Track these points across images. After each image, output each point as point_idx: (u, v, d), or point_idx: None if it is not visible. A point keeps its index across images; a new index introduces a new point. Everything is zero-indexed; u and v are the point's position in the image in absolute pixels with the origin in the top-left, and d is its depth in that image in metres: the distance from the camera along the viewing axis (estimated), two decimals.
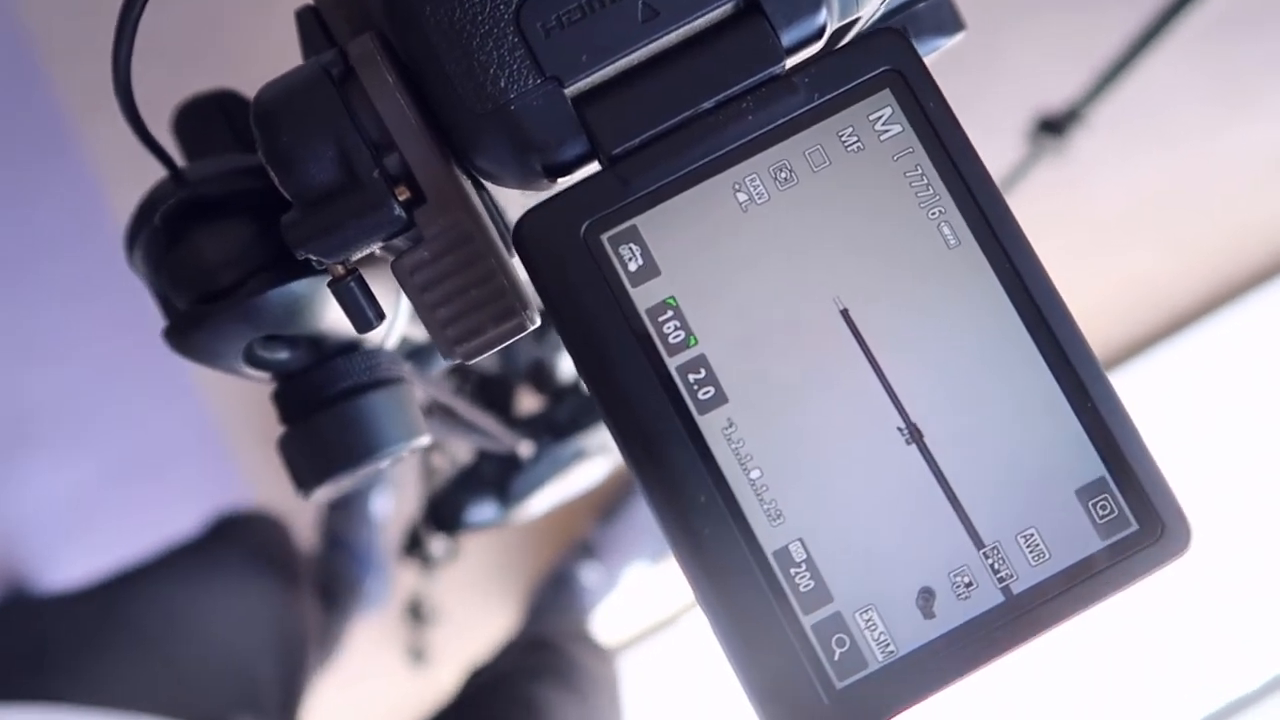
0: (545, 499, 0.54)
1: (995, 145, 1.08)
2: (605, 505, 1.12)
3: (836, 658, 0.20)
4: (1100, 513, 0.20)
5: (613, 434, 0.21)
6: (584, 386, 0.21)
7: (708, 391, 0.20)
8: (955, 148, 0.21)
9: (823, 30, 0.22)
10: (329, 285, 0.23)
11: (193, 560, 0.72)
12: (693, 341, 0.20)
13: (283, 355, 0.29)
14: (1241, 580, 1.10)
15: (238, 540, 0.75)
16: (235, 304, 0.26)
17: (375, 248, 0.23)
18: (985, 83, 1.11)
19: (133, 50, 0.23)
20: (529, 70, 0.21)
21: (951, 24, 0.27)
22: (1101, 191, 1.23)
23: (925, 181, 0.21)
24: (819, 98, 0.21)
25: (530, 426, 0.54)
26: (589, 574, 1.08)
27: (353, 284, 0.23)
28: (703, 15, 0.21)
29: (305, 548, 0.96)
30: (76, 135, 1.22)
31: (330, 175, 0.22)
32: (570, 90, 0.21)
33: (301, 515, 1.07)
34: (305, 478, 0.30)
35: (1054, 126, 0.90)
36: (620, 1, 0.21)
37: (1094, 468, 0.20)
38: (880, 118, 0.21)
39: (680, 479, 0.20)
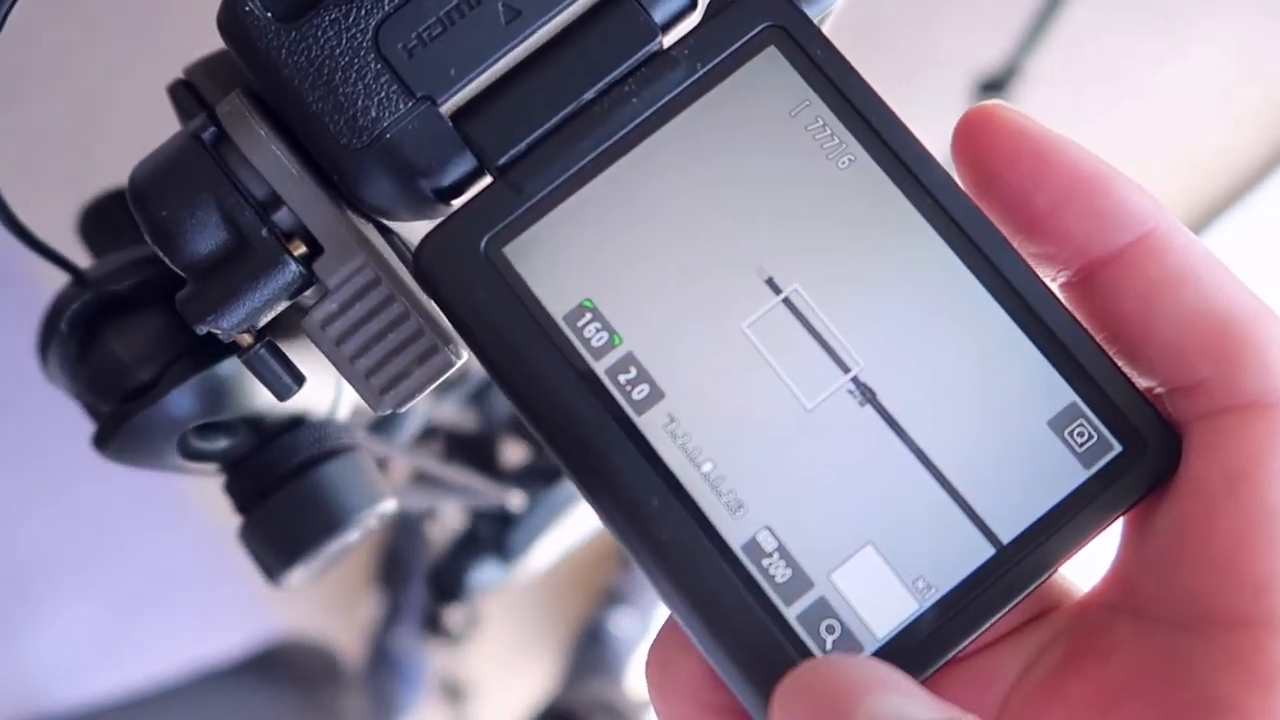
0: (548, 549, 0.53)
1: (942, 116, 1.08)
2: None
3: (829, 646, 0.18)
4: (1078, 440, 0.19)
5: (551, 454, 0.19)
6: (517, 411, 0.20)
7: (642, 390, 0.19)
8: (852, 91, 0.20)
9: (694, 1, 0.21)
10: (238, 356, 0.22)
11: (230, 688, 0.70)
12: (617, 340, 0.19)
13: (223, 443, 0.28)
14: None
15: (277, 671, 0.73)
16: (156, 399, 0.25)
17: (279, 309, 0.22)
18: (922, 54, 1.11)
19: None
20: (398, 94, 0.20)
21: None
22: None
23: (829, 131, 0.20)
24: (702, 67, 0.20)
25: (520, 477, 0.53)
26: (620, 621, 1.07)
27: (262, 351, 0.22)
28: (567, 6, 0.20)
29: (350, 664, 0.94)
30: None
31: (217, 241, 0.21)
32: (445, 107, 0.20)
33: (345, 631, 1.05)
34: (271, 565, 0.28)
35: (995, 85, 0.90)
36: (479, 7, 0.20)
37: (1063, 395, 0.19)
38: (770, 75, 0.20)
39: (629, 486, 0.19)
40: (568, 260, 0.20)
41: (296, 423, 0.29)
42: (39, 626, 1.15)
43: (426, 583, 0.55)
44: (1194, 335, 0.18)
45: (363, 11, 0.20)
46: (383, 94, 0.20)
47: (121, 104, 1.16)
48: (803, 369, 0.19)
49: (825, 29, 0.21)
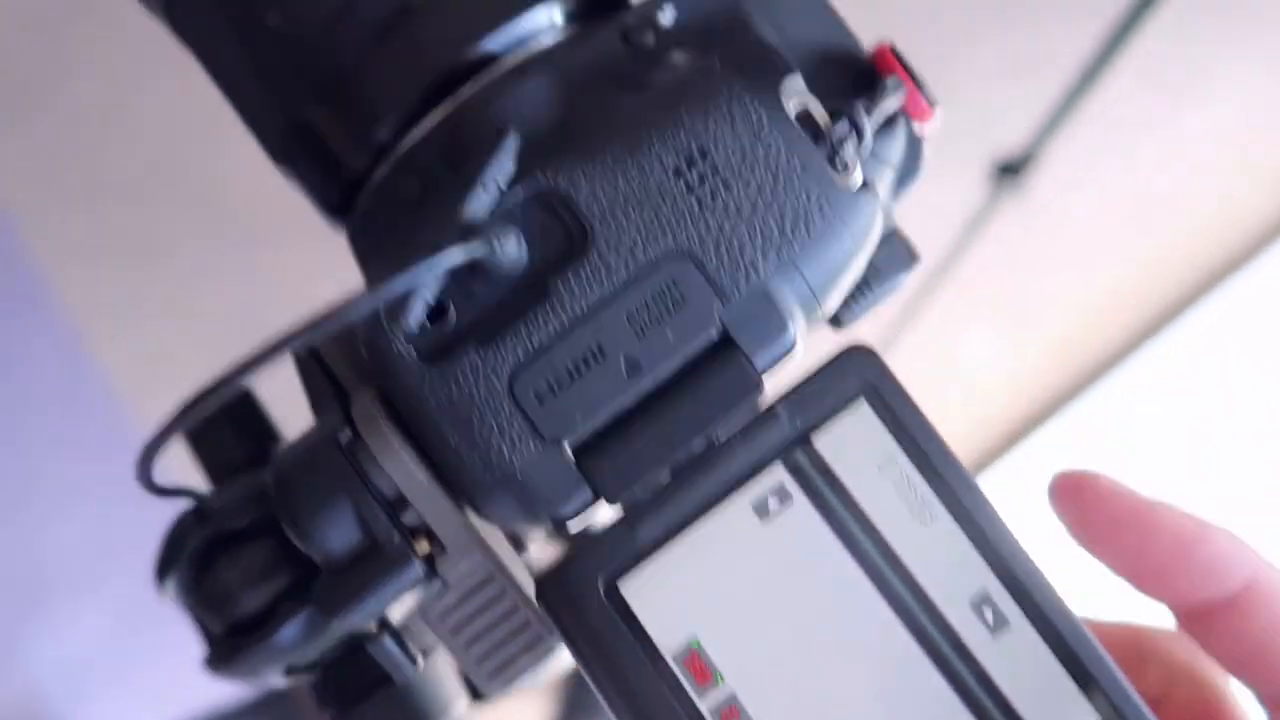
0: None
1: (957, 191, 1.10)
2: None
3: None
4: None
5: None
6: None
7: None
8: (934, 452, 0.22)
9: (793, 346, 0.23)
10: (366, 645, 0.24)
11: None
12: (720, 680, 0.21)
13: (315, 656, 0.30)
14: None
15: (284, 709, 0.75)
16: (264, 640, 0.27)
17: (403, 599, 0.24)
18: (940, 131, 1.12)
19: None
20: (528, 436, 0.22)
21: (907, 258, 0.28)
22: (1066, 212, 1.25)
23: (914, 490, 0.22)
24: (802, 424, 0.22)
25: None
26: None
27: (388, 639, 0.24)
28: (681, 357, 0.22)
29: None
30: (49, 283, 1.22)
31: (351, 540, 0.23)
32: (569, 447, 0.22)
33: None
34: None
35: (1012, 169, 0.92)
36: (604, 361, 0.22)
37: None
38: (861, 430, 0.22)
39: None
40: (678, 599, 0.22)
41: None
42: (45, 639, 1.16)
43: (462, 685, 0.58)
44: None
45: (500, 359, 0.22)
46: (514, 434, 0.22)
47: (138, 117, 1.18)
48: (931, 711, 0.21)
49: None
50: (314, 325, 0.20)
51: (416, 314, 0.22)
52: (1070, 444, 1.28)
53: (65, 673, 1.16)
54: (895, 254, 0.28)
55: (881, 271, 0.28)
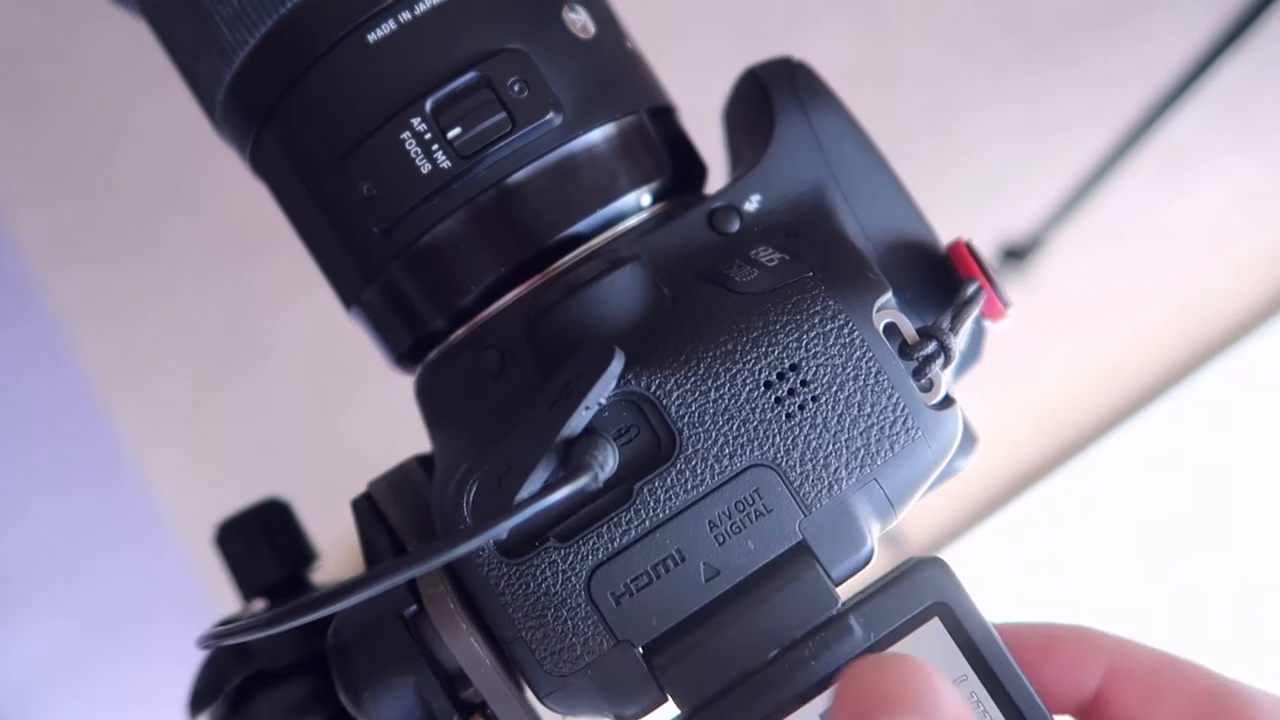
0: None
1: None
2: None
3: None
4: None
5: None
6: None
7: None
8: (1004, 673, 0.22)
9: (870, 558, 0.23)
10: None
11: None
12: None
13: None
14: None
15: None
16: None
17: None
18: (945, 212, 1.13)
19: None
20: (603, 636, 0.22)
21: (969, 443, 0.28)
22: (1069, 294, 1.26)
23: (983, 710, 0.22)
24: (874, 636, 0.22)
25: None
26: None
27: None
28: (760, 566, 0.22)
29: None
30: (36, 281, 1.21)
31: (406, 714, 0.23)
32: (642, 647, 0.22)
33: None
34: None
35: (1017, 254, 0.93)
36: (683, 565, 0.22)
37: None
38: (933, 645, 0.22)
39: None
40: None
41: None
42: (5, 644, 1.14)
43: None
44: None
45: (580, 558, 0.22)
46: (589, 633, 0.22)
47: (140, 123, 1.16)
48: None
49: None
50: (378, 576, 0.20)
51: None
52: (1054, 509, 1.29)
53: (23, 676, 1.14)
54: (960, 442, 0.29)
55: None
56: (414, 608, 0.23)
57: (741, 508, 0.22)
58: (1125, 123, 0.85)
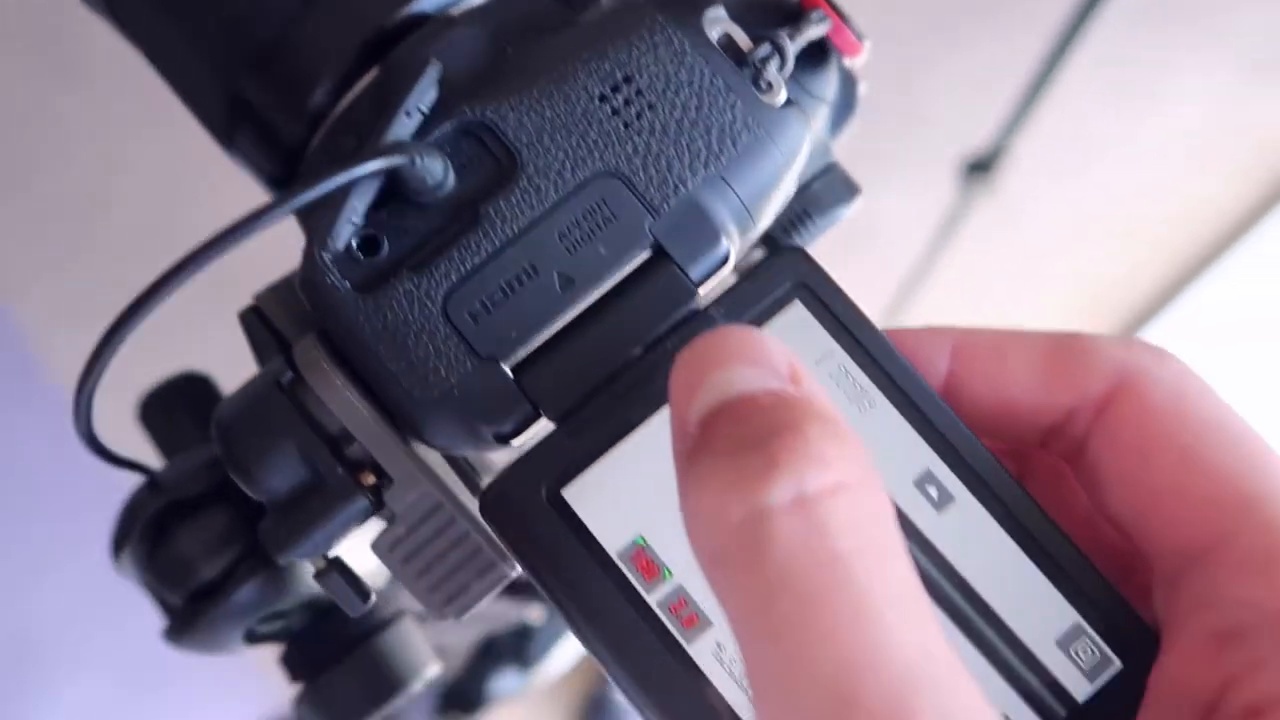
0: (566, 653, 0.55)
1: (930, 194, 1.12)
2: None
3: None
4: (1084, 658, 0.21)
5: (613, 678, 0.21)
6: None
7: (691, 619, 0.21)
8: (869, 341, 0.22)
9: (727, 256, 0.23)
10: (314, 578, 0.24)
11: None
12: (668, 574, 0.21)
13: (279, 624, 0.29)
14: None
15: None
16: (225, 599, 0.27)
17: (351, 534, 0.24)
18: (910, 136, 1.14)
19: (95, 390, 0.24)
20: (465, 355, 0.22)
21: (847, 191, 0.29)
22: (1038, 210, 1.26)
23: (851, 379, 0.22)
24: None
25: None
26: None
27: (335, 573, 0.24)
28: (615, 272, 0.22)
29: None
30: (34, 351, 1.22)
31: (295, 479, 0.23)
32: (507, 363, 0.22)
33: None
34: None
35: (982, 166, 0.93)
36: (537, 277, 0.22)
37: (1068, 615, 0.21)
38: (797, 328, 0.22)
39: (683, 712, 0.21)
40: (621, 501, 0.22)
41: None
42: (43, 702, 1.15)
43: (439, 701, 0.57)
44: None
45: (433, 283, 0.22)
46: (451, 355, 0.22)
47: (125, 191, 1.19)
48: None
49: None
50: (233, 230, 0.20)
51: (343, 235, 0.22)
52: None
53: None
54: (835, 185, 0.29)
55: (822, 201, 0.29)
56: (290, 374, 0.24)
57: (589, 216, 0.23)
58: (1059, 27, 0.86)
